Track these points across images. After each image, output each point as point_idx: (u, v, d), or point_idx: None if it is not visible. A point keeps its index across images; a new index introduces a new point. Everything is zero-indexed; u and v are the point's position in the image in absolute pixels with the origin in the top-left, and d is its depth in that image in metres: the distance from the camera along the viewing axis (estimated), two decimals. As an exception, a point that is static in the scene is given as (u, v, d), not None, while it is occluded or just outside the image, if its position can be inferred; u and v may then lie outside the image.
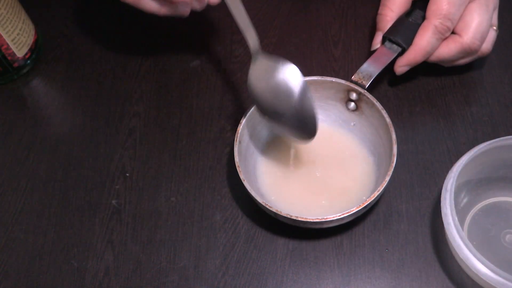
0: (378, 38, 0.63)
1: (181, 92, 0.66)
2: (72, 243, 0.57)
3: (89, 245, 0.57)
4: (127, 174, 0.61)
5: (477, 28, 0.60)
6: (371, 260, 0.55)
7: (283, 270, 0.55)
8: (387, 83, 0.65)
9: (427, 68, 0.66)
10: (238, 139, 0.56)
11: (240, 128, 0.57)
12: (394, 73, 0.65)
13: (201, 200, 0.59)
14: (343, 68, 0.66)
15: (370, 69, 0.59)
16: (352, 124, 0.61)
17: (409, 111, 0.63)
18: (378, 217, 0.57)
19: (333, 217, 0.51)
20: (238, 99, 0.65)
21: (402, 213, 0.57)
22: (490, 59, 0.66)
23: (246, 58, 0.68)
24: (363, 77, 0.59)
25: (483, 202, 0.56)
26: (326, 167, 0.59)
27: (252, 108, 0.58)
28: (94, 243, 0.57)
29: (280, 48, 0.69)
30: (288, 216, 0.52)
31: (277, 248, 0.56)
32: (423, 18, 0.62)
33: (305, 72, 0.60)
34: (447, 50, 0.60)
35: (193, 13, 0.73)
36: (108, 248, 0.57)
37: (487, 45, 0.62)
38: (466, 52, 0.61)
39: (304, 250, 0.56)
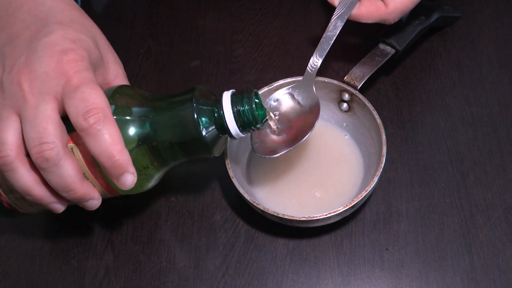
0: None
1: (181, 92, 0.66)
2: (72, 243, 0.57)
3: (89, 245, 0.57)
4: (127, 174, 0.61)
5: (403, 4, 0.56)
6: (371, 260, 0.55)
7: (283, 270, 0.55)
8: (387, 83, 0.65)
9: (427, 68, 0.66)
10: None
11: None
12: (394, 73, 0.65)
13: (201, 200, 0.59)
14: (343, 68, 0.66)
15: (362, 70, 0.60)
16: (344, 124, 0.61)
17: (409, 111, 0.63)
18: (378, 217, 0.57)
19: (320, 216, 0.52)
20: (238, 99, 0.65)
21: (402, 213, 0.57)
22: (490, 59, 0.66)
23: (246, 58, 0.68)
24: (356, 78, 0.59)
25: None
26: (318, 168, 0.59)
27: None
28: (94, 243, 0.57)
29: (280, 48, 0.69)
30: (275, 214, 0.52)
31: (277, 248, 0.56)
32: (419, 20, 0.62)
33: (304, 72, 0.61)
34: (367, 14, 0.57)
35: (194, 12, 0.73)
36: (108, 248, 0.57)
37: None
38: (383, 21, 0.57)
39: (304, 250, 0.56)
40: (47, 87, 0.44)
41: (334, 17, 0.57)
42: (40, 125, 0.43)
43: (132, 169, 0.45)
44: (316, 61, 0.57)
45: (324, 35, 0.57)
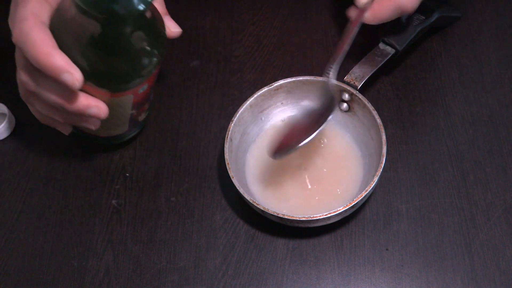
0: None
1: (181, 92, 0.66)
2: (72, 243, 0.57)
3: (89, 245, 0.57)
4: (127, 174, 0.61)
5: None
6: (371, 260, 0.55)
7: (283, 270, 0.55)
8: (387, 83, 0.65)
9: (427, 68, 0.66)
10: (229, 137, 0.57)
11: (231, 125, 0.57)
12: (394, 73, 0.65)
13: (201, 200, 0.59)
14: (343, 68, 0.66)
15: (363, 70, 0.60)
16: (344, 124, 0.61)
17: (409, 111, 0.63)
18: (378, 217, 0.57)
19: (320, 216, 0.52)
20: (238, 99, 0.65)
21: (402, 213, 0.57)
22: (490, 59, 0.66)
23: (246, 58, 0.68)
24: (356, 78, 0.59)
25: None
26: (318, 167, 0.59)
27: (245, 106, 0.58)
28: (94, 243, 0.57)
29: (280, 48, 0.69)
30: (275, 214, 0.52)
31: (277, 248, 0.56)
32: (419, 20, 0.62)
33: (305, 72, 0.61)
34: (385, 12, 0.57)
35: (194, 12, 0.73)
36: (108, 248, 0.57)
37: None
38: (401, 12, 0.57)
39: (304, 250, 0.56)
40: None
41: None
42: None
43: (69, 68, 0.46)
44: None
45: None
